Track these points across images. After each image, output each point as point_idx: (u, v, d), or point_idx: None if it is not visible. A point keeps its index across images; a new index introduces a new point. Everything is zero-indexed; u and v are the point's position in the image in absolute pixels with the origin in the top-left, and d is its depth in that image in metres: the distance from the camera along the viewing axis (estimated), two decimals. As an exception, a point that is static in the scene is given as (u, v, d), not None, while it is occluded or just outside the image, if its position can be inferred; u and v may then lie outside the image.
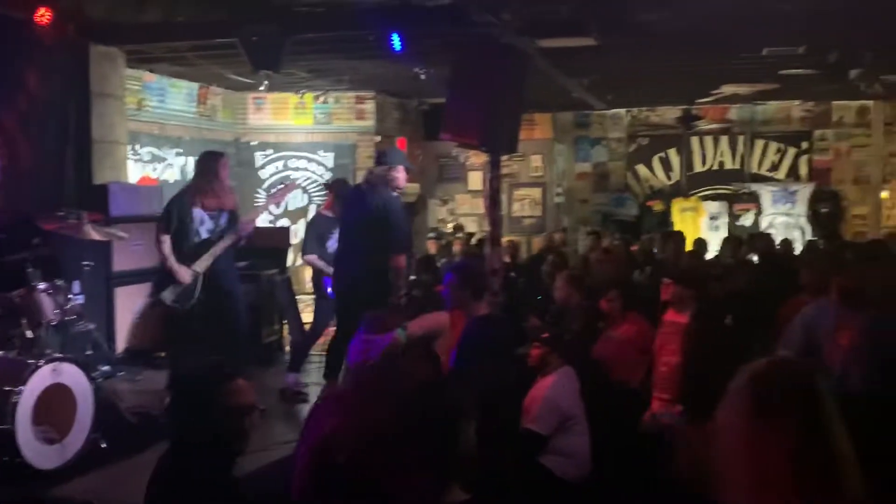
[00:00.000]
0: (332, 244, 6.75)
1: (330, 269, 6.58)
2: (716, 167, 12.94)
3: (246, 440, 2.41)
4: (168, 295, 5.49)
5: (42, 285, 4.86)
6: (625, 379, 5.20)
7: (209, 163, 6.00)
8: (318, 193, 10.44)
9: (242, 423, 2.36)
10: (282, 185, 6.54)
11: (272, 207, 9.04)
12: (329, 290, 6.68)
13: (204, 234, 5.79)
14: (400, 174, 5.97)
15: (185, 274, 5.65)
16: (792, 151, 12.59)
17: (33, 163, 6.81)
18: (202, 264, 5.62)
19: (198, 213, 5.72)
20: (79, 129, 7.35)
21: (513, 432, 3.96)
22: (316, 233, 6.94)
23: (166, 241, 5.71)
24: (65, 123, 7.22)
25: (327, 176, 10.67)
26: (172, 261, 5.64)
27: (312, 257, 6.84)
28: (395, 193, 6.00)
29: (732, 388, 1.60)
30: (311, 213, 9.65)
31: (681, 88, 11.07)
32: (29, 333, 4.82)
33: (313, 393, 6.79)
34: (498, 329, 4.33)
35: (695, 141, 12.93)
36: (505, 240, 9.80)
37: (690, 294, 4.89)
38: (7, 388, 4.30)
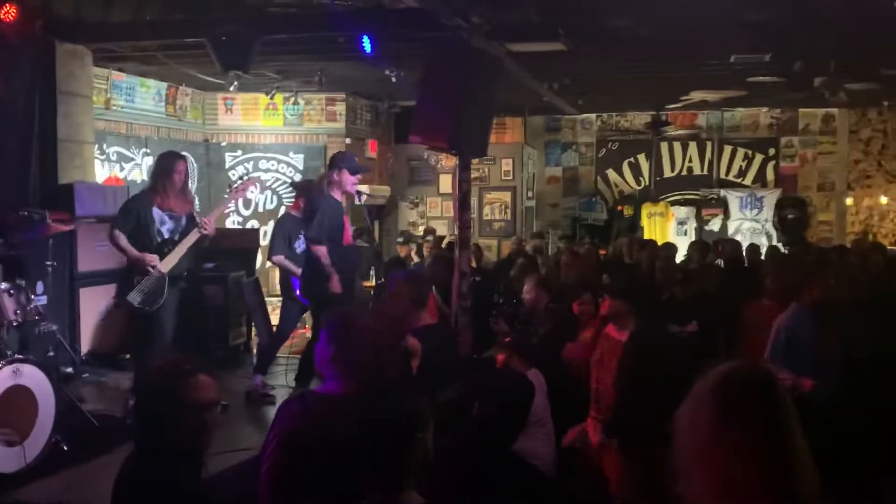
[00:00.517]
0: (300, 245, 6.73)
1: (298, 270, 6.56)
2: (684, 172, 13.09)
3: (208, 437, 2.38)
4: (135, 296, 5.41)
5: (3, 285, 4.78)
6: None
7: (165, 163, 5.94)
8: (288, 195, 10.39)
9: (204, 419, 2.34)
10: (240, 182, 6.52)
11: (234, 205, 8.92)
12: (297, 291, 6.66)
13: (166, 234, 5.74)
14: (344, 177, 6.04)
15: (151, 259, 5.56)
16: (759, 158, 12.76)
17: (-4, 161, 6.71)
18: (167, 265, 5.56)
19: (157, 213, 5.67)
20: (44, 128, 7.25)
21: (475, 437, 3.95)
22: (283, 233, 6.93)
23: (120, 235, 5.59)
24: (30, 122, 7.12)
25: (297, 177, 10.62)
26: (132, 251, 5.53)
27: (280, 258, 6.83)
28: (332, 194, 6.04)
29: (696, 392, 1.62)
30: (281, 214, 9.59)
31: (650, 94, 11.19)
32: (-10, 333, 4.74)
33: (280, 395, 6.75)
34: (439, 339, 4.27)
35: (664, 146, 13.06)
36: (475, 242, 9.84)
37: (627, 309, 4.53)
38: (-35, 390, 4.23)
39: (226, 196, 6.60)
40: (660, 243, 12.24)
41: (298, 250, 6.74)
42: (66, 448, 4.76)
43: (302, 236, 6.76)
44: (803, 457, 1.53)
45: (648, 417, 3.79)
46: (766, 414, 1.54)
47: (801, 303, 4.80)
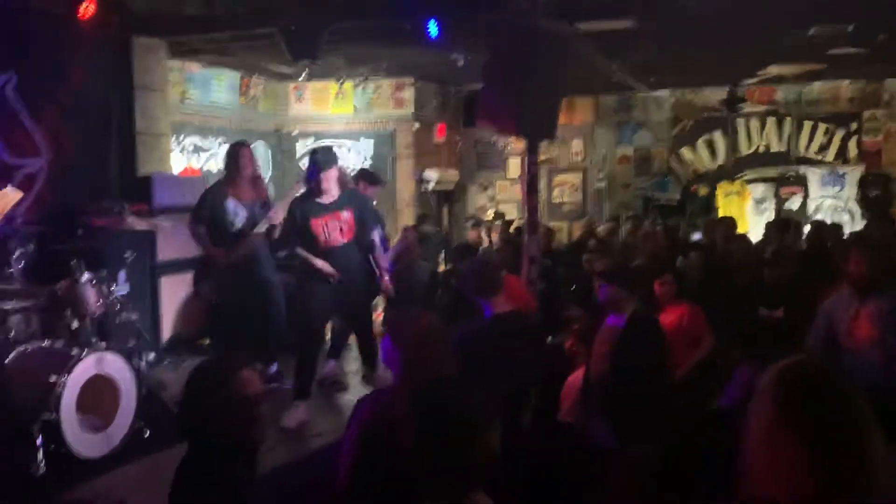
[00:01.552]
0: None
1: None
2: (762, 150, 12.67)
3: (258, 432, 2.40)
4: (205, 287, 5.57)
5: (85, 277, 4.94)
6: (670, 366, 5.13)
7: (232, 154, 6.11)
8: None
9: (255, 414, 2.36)
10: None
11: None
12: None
13: (239, 224, 5.86)
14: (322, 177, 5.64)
15: (220, 256, 5.73)
16: (840, 133, 12.26)
17: (77, 155, 6.94)
18: (238, 254, 5.69)
19: (230, 203, 5.79)
20: (122, 122, 7.48)
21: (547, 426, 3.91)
22: None
23: (199, 226, 5.83)
24: (108, 116, 7.35)
25: (367, 164, 10.70)
26: (207, 245, 5.75)
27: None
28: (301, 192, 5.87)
29: (761, 386, 1.60)
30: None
31: (726, 69, 10.85)
32: (73, 324, 4.92)
33: (353, 381, 6.84)
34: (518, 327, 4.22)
35: (740, 123, 12.67)
36: (544, 225, 9.75)
37: (625, 296, 4.37)
38: (52, 379, 4.40)
39: (294, 187, 6.67)
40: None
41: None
42: (147, 434, 4.92)
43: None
44: (873, 456, 1.48)
45: (639, 407, 3.69)
46: (829, 412, 1.51)
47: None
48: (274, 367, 6.54)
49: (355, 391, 6.62)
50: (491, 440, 1.97)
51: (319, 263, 5.54)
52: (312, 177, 5.57)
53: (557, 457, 3.36)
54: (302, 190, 6.42)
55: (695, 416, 4.70)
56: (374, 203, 7.20)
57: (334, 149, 6.66)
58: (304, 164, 10.80)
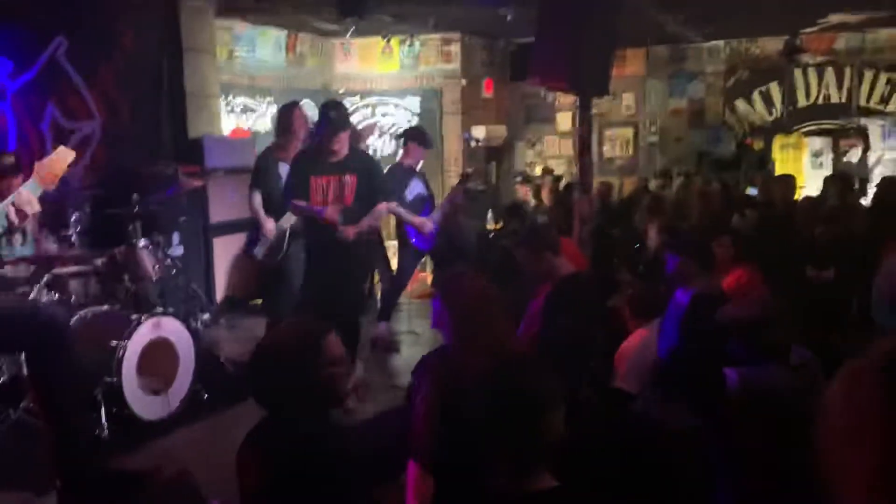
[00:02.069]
0: (410, 193, 6.73)
1: (411, 217, 6.59)
2: (821, 101, 12.24)
3: (340, 393, 2.40)
4: (258, 250, 5.61)
5: (142, 242, 5.01)
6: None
7: (283, 117, 6.06)
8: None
9: (335, 376, 2.36)
10: (358, 134, 6.47)
11: None
12: (413, 239, 6.69)
13: None
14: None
15: (270, 226, 5.73)
16: (905, 82, 11.78)
17: (130, 119, 7.01)
18: (289, 219, 5.68)
19: (283, 167, 5.78)
20: (172, 84, 7.51)
21: (603, 395, 3.86)
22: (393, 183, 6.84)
23: (255, 196, 5.81)
24: (159, 79, 7.39)
25: (414, 121, 10.61)
26: (261, 215, 5.74)
27: (392, 205, 6.74)
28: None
29: (854, 369, 1.36)
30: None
31: (784, 17, 10.45)
32: (131, 288, 5.00)
33: (404, 340, 6.88)
34: (581, 289, 4.15)
35: (798, 73, 12.23)
36: (595, 182, 9.59)
37: (695, 270, 4.16)
38: (112, 343, 4.49)
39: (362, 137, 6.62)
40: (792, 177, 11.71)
41: (409, 198, 6.73)
42: (206, 396, 5.01)
43: (411, 185, 6.76)
44: None
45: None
46: None
47: None
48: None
49: (406, 351, 6.67)
50: (556, 419, 1.94)
51: (328, 212, 5.06)
52: (321, 132, 5.19)
53: (626, 434, 3.31)
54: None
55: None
56: (420, 165, 7.12)
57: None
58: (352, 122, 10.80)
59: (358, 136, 6.34)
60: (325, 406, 2.38)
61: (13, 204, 3.14)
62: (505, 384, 1.97)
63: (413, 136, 7.04)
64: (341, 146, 5.11)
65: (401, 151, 7.38)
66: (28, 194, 3.17)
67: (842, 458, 1.34)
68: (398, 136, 9.09)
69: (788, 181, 8.04)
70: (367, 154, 6.45)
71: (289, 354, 2.34)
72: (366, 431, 4.00)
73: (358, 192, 5.15)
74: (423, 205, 6.83)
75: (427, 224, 6.69)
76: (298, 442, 2.24)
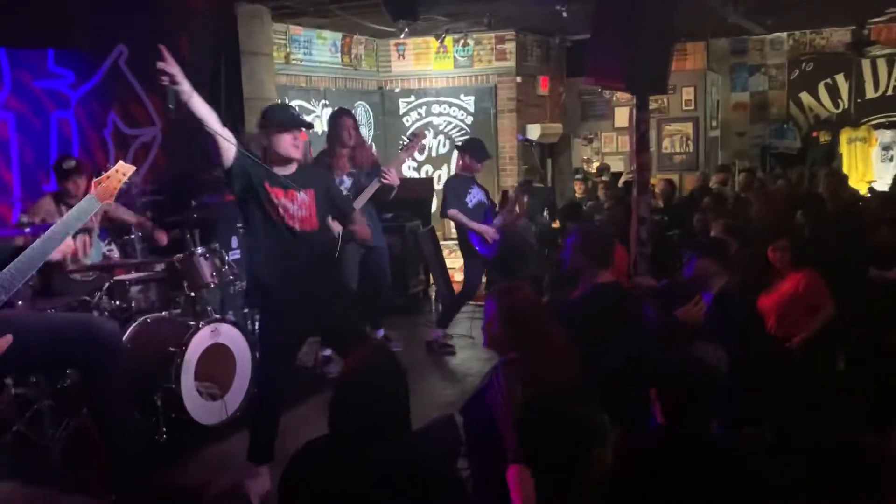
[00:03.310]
0: (471, 200, 6.69)
1: (473, 225, 6.55)
2: (890, 92, 11.80)
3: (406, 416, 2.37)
4: None
5: (200, 250, 5.08)
6: (786, 336, 4.88)
7: (332, 126, 6.06)
8: (460, 138, 10.37)
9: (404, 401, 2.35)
10: (413, 138, 6.41)
11: (407, 160, 8.07)
12: (477, 246, 6.65)
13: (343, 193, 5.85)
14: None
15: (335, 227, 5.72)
16: (980, 70, 11.29)
17: (189, 124, 7.09)
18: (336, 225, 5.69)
19: (336, 176, 5.80)
20: (230, 89, 7.60)
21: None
22: (453, 191, 6.78)
23: None
24: (217, 83, 7.48)
25: (469, 120, 10.57)
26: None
27: (454, 211, 6.68)
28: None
29: None
30: (454, 158, 9.53)
31: (850, 7, 10.10)
32: (190, 295, 5.07)
33: (459, 345, 6.84)
34: (613, 300, 3.99)
35: (866, 64, 11.82)
36: (656, 180, 9.40)
37: (715, 270, 4.13)
38: (171, 350, 4.57)
39: (400, 151, 6.58)
40: (861, 171, 11.33)
41: (470, 205, 6.69)
42: (263, 401, 5.05)
43: (471, 193, 6.71)
44: None
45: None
46: None
47: None
48: (381, 332, 6.60)
49: (461, 355, 6.64)
50: (604, 456, 1.87)
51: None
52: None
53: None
54: (407, 157, 6.34)
55: (813, 386, 4.48)
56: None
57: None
58: (407, 120, 10.82)
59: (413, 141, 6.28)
60: (398, 433, 2.35)
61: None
62: (554, 421, 1.91)
63: (466, 149, 6.91)
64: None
65: (457, 161, 7.35)
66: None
67: None
68: (455, 146, 8.96)
69: (841, 177, 7.79)
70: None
71: (381, 383, 2.31)
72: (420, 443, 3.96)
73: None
74: (485, 212, 6.78)
75: (490, 231, 6.63)
76: (370, 467, 2.22)
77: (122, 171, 3.37)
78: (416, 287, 8.35)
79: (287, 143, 3.97)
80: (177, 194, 5.98)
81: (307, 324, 4.09)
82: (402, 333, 7.01)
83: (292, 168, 4.02)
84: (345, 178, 5.93)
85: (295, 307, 3.91)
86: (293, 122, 4.02)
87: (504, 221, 6.75)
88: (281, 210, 3.89)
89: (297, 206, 3.95)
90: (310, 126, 4.46)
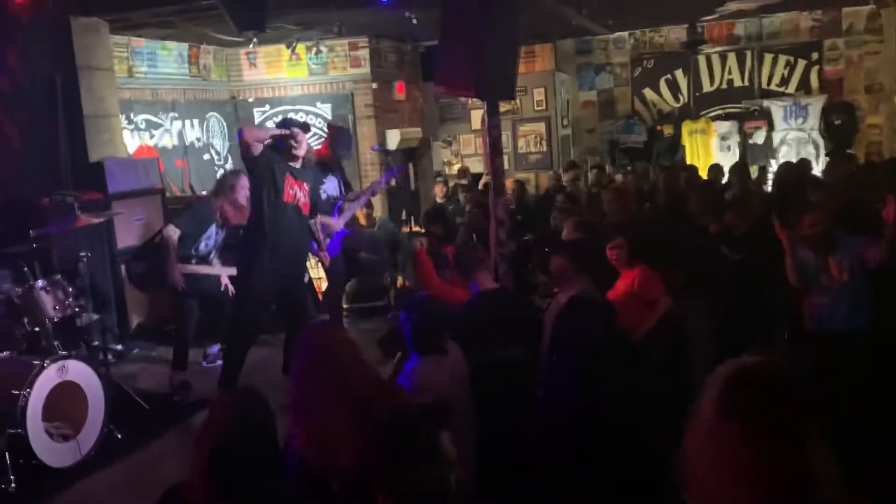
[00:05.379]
0: (323, 192, 6.62)
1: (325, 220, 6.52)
2: (724, 85, 12.58)
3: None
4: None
5: (40, 283, 4.80)
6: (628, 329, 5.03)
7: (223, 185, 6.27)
8: (318, 144, 10.26)
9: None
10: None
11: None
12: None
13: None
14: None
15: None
16: (802, 64, 12.19)
17: (24, 145, 6.70)
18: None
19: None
20: (68, 106, 7.21)
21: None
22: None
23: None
24: (54, 101, 7.08)
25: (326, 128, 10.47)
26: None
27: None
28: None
29: (707, 388, 1.50)
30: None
31: (684, 7, 10.69)
32: (32, 331, 4.78)
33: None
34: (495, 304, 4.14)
35: (702, 60, 12.55)
36: (510, 181, 9.62)
37: (571, 271, 4.23)
38: (15, 392, 4.29)
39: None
40: (702, 161, 11.98)
41: (323, 197, 6.64)
42: (119, 436, 4.84)
43: (325, 183, 6.65)
44: (817, 463, 1.40)
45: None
46: (776, 418, 1.42)
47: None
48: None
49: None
50: (449, 477, 1.89)
51: None
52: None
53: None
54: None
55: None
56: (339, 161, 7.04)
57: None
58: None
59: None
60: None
61: None
62: (404, 444, 1.91)
63: (330, 136, 6.97)
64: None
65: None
66: None
67: (698, 460, 1.47)
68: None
69: (690, 169, 8.23)
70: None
71: (252, 424, 2.24)
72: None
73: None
74: (333, 206, 6.74)
75: (335, 225, 6.62)
76: None
77: None
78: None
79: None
80: (13, 223, 5.61)
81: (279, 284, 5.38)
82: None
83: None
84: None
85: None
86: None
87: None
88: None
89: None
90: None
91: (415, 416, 2.02)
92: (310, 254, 6.25)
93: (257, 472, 2.17)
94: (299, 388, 2.68)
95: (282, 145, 5.46)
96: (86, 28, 7.43)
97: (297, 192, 5.51)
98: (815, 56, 12.14)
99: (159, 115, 9.26)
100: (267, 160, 5.35)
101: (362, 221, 8.48)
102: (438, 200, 10.25)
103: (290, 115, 10.55)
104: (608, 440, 3.64)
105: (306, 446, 2.53)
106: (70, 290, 4.99)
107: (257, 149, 5.28)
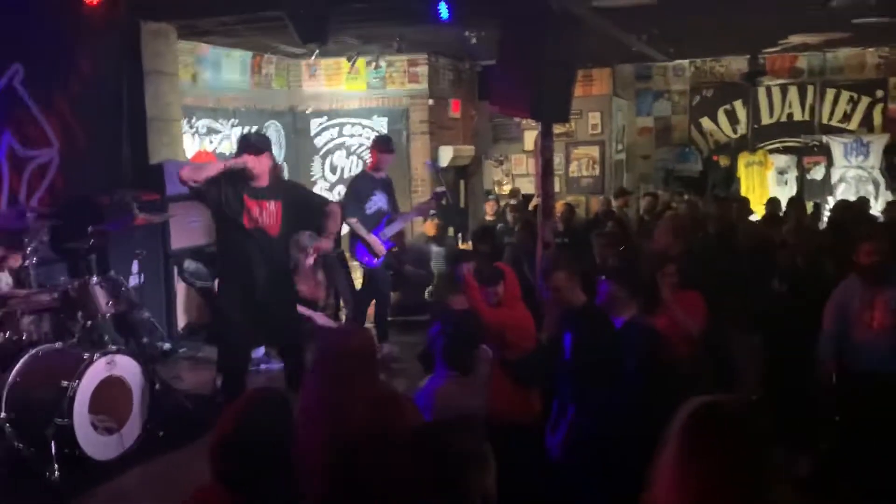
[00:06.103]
0: (371, 206, 6.71)
1: (365, 234, 6.58)
2: (784, 119, 12.40)
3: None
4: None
5: (94, 279, 4.94)
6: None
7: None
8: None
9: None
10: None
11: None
12: (366, 258, 6.69)
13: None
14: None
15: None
16: (865, 101, 11.95)
17: (89, 145, 6.91)
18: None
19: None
20: (133, 108, 7.43)
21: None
22: (355, 197, 6.83)
23: None
24: (119, 103, 7.30)
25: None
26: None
27: (353, 220, 6.70)
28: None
29: (672, 427, 1.68)
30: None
31: (746, 39, 10.58)
32: (85, 325, 4.92)
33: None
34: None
35: (762, 92, 12.40)
36: (560, 204, 9.61)
37: (625, 298, 4.15)
38: (64, 383, 4.41)
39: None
40: (758, 194, 11.81)
41: (369, 212, 6.71)
42: (161, 434, 4.93)
43: (374, 196, 6.74)
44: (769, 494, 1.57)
45: None
46: (734, 454, 1.58)
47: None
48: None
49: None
50: (485, 485, 1.91)
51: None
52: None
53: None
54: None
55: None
56: (386, 175, 7.11)
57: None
58: (318, 141, 10.76)
59: None
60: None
61: None
62: (433, 449, 1.93)
63: (374, 142, 7.10)
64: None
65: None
66: None
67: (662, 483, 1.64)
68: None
69: (742, 203, 8.11)
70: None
71: (265, 430, 2.27)
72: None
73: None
74: (380, 221, 6.83)
75: (379, 245, 6.70)
76: None
77: None
78: (326, 311, 8.28)
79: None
80: (74, 219, 5.79)
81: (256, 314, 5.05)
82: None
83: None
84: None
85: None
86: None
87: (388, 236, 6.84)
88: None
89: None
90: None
91: (455, 425, 2.04)
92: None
93: (266, 471, 2.20)
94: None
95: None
96: (155, 33, 7.64)
97: (259, 214, 4.98)
98: (879, 93, 11.90)
99: (220, 121, 9.47)
100: (218, 187, 4.90)
101: (430, 233, 8.61)
102: (488, 218, 10.28)
103: (347, 127, 10.72)
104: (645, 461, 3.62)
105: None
106: (123, 286, 5.13)
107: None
